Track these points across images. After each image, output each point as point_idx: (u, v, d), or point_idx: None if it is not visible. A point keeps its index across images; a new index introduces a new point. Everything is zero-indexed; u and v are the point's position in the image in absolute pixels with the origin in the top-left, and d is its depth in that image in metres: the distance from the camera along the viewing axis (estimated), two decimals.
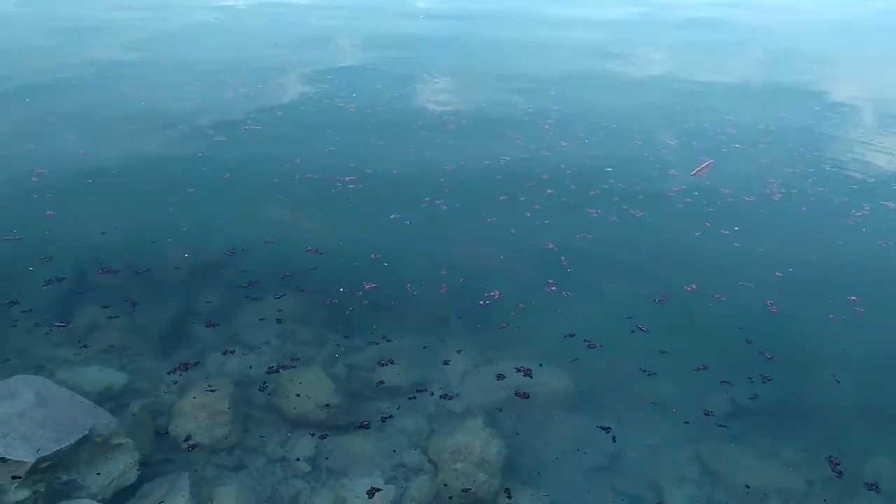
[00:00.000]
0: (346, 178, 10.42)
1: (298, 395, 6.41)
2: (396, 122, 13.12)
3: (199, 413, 6.15)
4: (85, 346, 6.85)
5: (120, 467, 5.50)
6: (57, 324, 7.03)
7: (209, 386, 6.41)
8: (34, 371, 6.36)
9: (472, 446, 6.02)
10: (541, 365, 7.02)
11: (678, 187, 10.86)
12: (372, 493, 5.67)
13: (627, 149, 12.47)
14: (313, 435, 6.23)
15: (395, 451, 6.16)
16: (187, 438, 6.00)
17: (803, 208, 10.41)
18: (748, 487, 5.94)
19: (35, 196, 9.27)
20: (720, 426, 6.51)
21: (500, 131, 12.94)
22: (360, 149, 11.69)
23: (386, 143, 11.96)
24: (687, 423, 6.54)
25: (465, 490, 5.76)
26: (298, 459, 6.01)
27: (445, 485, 5.85)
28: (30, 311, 7.17)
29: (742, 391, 6.84)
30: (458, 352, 7.19)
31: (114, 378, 6.48)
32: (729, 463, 6.21)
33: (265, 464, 5.99)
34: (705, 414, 6.59)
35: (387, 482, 5.84)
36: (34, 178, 9.73)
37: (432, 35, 21.38)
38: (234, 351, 7.01)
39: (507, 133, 12.83)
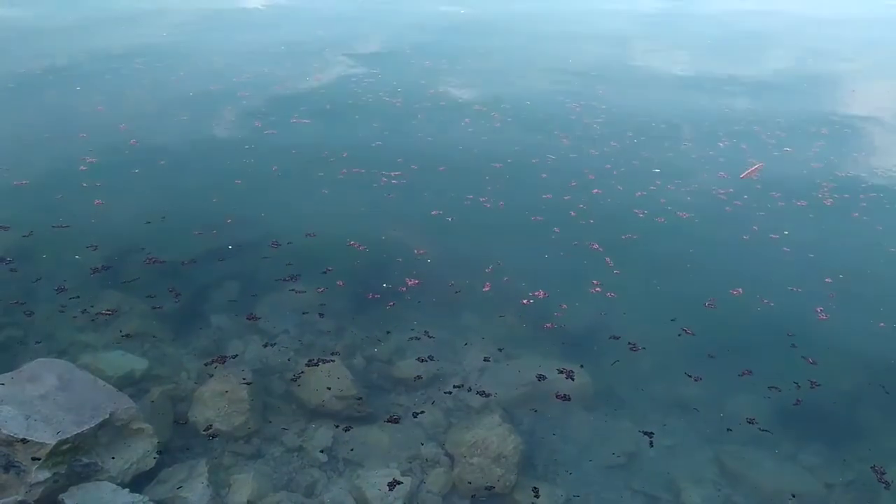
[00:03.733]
0: (392, 174, 10.44)
1: (329, 388, 6.45)
2: (442, 119, 13.11)
3: (219, 401, 6.24)
4: (128, 336, 6.96)
5: (139, 452, 5.60)
6: (104, 311, 7.16)
7: (233, 375, 6.49)
8: (76, 355, 6.51)
9: (489, 441, 6.03)
10: (582, 366, 6.96)
11: (727, 190, 10.68)
12: (393, 485, 5.68)
13: (676, 150, 12.29)
14: (338, 426, 6.28)
15: (421, 443, 6.19)
16: (207, 426, 6.09)
17: (855, 214, 10.15)
18: (794, 497, 5.82)
19: (84, 185, 9.45)
20: (763, 431, 6.39)
21: (547, 129, 12.86)
22: (407, 144, 11.71)
23: (433, 140, 11.96)
24: (730, 429, 6.43)
25: (489, 488, 5.78)
26: (323, 451, 6.06)
27: (464, 480, 5.87)
28: (77, 297, 7.31)
29: (787, 397, 6.71)
30: (500, 350, 7.16)
31: (137, 364, 6.59)
32: (764, 471, 6.10)
33: (282, 453, 6.06)
34: (748, 421, 6.47)
35: (403, 474, 5.86)
36: (83, 168, 9.91)
37: (473, 30, 21.31)
38: (274, 344, 7.07)
39: (555, 131, 12.74)
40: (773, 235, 9.39)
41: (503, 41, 20.03)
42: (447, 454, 6.12)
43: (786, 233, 9.46)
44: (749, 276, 8.48)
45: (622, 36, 21.45)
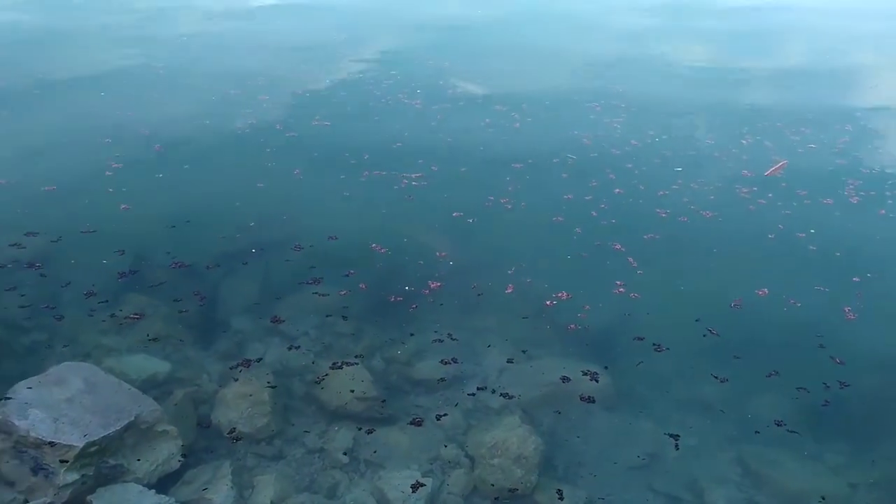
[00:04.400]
0: (412, 175, 10.45)
1: (353, 391, 6.48)
2: (462, 119, 13.09)
3: (241, 403, 6.29)
4: (153, 340, 7.02)
5: (164, 454, 5.67)
6: (131, 315, 7.22)
7: (255, 377, 6.55)
8: (100, 358, 6.57)
9: (509, 442, 6.03)
10: (606, 368, 6.94)
11: (751, 188, 10.58)
12: (416, 486, 5.70)
13: (698, 147, 12.20)
14: (360, 428, 6.30)
15: (444, 445, 6.22)
16: (230, 428, 6.14)
17: (882, 211, 10.03)
18: (823, 499, 5.76)
19: (110, 190, 9.52)
20: (791, 432, 6.33)
21: (567, 129, 12.80)
22: (427, 145, 11.71)
23: (453, 140, 11.94)
24: (758, 432, 6.37)
25: (511, 490, 5.78)
26: (345, 453, 6.08)
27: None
28: (105, 302, 7.38)
29: (815, 398, 6.65)
30: (523, 352, 7.16)
31: (160, 367, 6.65)
32: (788, 471, 6.05)
33: (304, 454, 6.10)
34: (776, 423, 6.41)
35: (424, 475, 5.87)
36: (108, 173, 9.99)
37: (490, 29, 21.21)
38: (297, 346, 7.11)
39: (575, 131, 12.68)
40: (799, 234, 9.30)
41: (519, 40, 19.96)
42: (467, 455, 6.13)
43: (812, 231, 9.36)
44: (775, 275, 8.40)
45: (638, 32, 21.29)
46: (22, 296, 7.32)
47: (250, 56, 16.73)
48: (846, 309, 7.81)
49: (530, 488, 5.82)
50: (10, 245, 8.03)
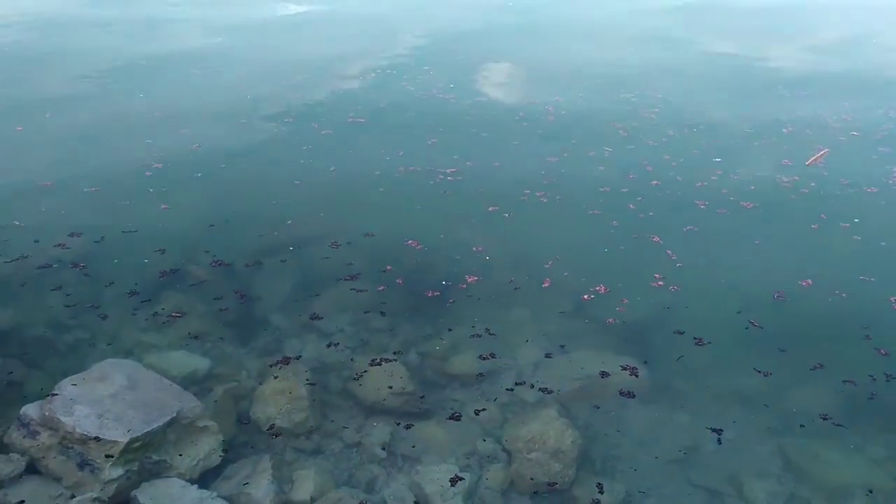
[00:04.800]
0: (447, 171, 10.45)
1: (391, 387, 6.50)
2: (495, 113, 13.06)
3: (279, 399, 6.34)
4: (196, 337, 7.11)
5: (205, 449, 5.73)
6: (173, 314, 7.33)
7: (293, 373, 6.60)
8: (142, 356, 6.68)
9: (546, 436, 5.99)
10: (646, 362, 6.86)
11: (792, 177, 10.39)
12: (454, 480, 5.69)
13: (737, 137, 12.02)
14: (399, 423, 6.32)
15: (483, 439, 6.20)
16: (268, 423, 6.19)
17: None
18: (871, 492, 5.64)
19: (150, 190, 9.67)
20: (837, 426, 6.20)
21: (602, 120, 12.70)
22: (461, 140, 11.70)
23: (487, 136, 11.92)
24: (802, 426, 6.25)
25: (551, 484, 5.75)
26: (383, 448, 6.10)
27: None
28: (148, 301, 7.50)
29: (861, 391, 6.50)
30: (561, 346, 7.11)
31: (200, 363, 6.74)
32: (836, 466, 5.92)
33: (342, 449, 6.12)
34: (822, 417, 6.28)
35: (462, 469, 5.86)
36: (148, 173, 10.14)
37: (520, 21, 21.14)
38: (336, 343, 7.13)
39: (610, 122, 12.57)
40: (843, 224, 9.11)
41: (552, 32, 19.86)
42: (504, 449, 6.11)
43: (856, 220, 9.16)
44: (819, 266, 8.24)
45: (669, 25, 21.07)
46: (67, 295, 7.46)
47: (280, 57, 16.84)
48: (892, 299, 7.63)
49: (568, 483, 5.78)
50: (54, 245, 8.20)
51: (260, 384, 6.55)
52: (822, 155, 11.09)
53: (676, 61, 17.08)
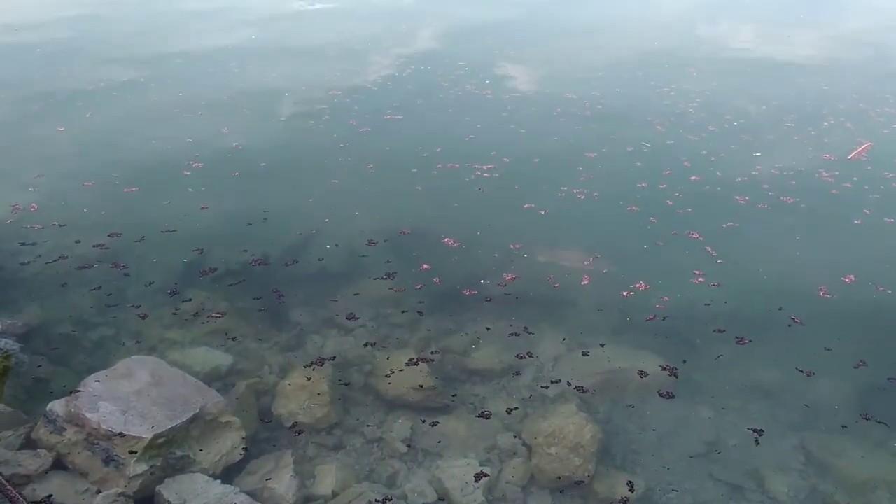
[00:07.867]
0: (484, 167, 10.43)
1: (421, 386, 6.51)
2: (533, 109, 12.99)
3: (301, 394, 6.40)
4: (233, 339, 7.17)
5: (228, 445, 5.81)
6: (214, 314, 7.42)
7: (318, 370, 6.66)
8: (165, 352, 6.78)
9: (566, 431, 5.99)
10: (685, 361, 6.81)
11: (833, 172, 10.23)
12: (479, 476, 5.72)
13: (777, 132, 11.85)
14: (424, 421, 6.36)
15: (508, 434, 6.24)
16: (290, 419, 6.25)
17: None
18: None
19: (189, 190, 9.78)
20: (880, 423, 6.12)
21: (640, 116, 12.59)
22: (498, 137, 11.67)
23: (525, 132, 11.87)
24: (844, 426, 6.17)
25: (577, 482, 5.76)
26: (404, 442, 6.15)
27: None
28: (189, 300, 7.60)
29: None
30: (601, 345, 7.07)
31: (222, 359, 6.82)
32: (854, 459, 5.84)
33: (363, 444, 6.18)
34: (864, 417, 6.20)
35: (482, 464, 5.90)
36: (187, 173, 10.25)
37: (552, 15, 20.95)
38: (374, 343, 7.17)
39: (648, 117, 12.46)
40: (887, 219, 8.95)
41: (586, 26, 19.70)
42: (524, 444, 6.12)
43: None
44: (862, 262, 8.12)
45: (704, 18, 20.81)
46: (108, 295, 7.58)
47: (314, 54, 16.88)
48: None
49: (588, 477, 5.77)
50: (94, 246, 8.33)
51: (280, 378, 6.63)
52: (864, 149, 10.89)
53: (715, 54, 16.86)
